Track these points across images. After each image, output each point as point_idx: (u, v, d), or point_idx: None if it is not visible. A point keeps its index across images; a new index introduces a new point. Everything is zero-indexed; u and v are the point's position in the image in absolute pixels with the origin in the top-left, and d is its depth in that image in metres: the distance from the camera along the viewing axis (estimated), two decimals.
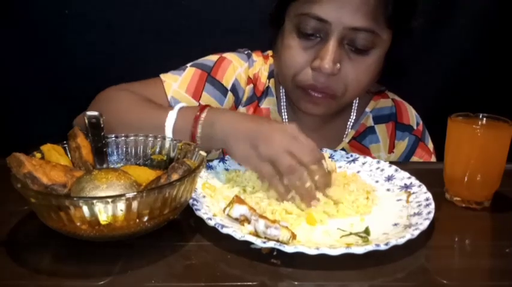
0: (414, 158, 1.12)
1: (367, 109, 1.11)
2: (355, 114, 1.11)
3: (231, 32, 1.39)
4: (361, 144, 1.10)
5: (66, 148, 0.74)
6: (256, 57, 1.10)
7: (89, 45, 1.44)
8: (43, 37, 1.46)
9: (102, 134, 0.74)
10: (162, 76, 1.03)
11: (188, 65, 1.05)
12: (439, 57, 1.49)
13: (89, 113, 0.74)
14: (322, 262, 0.61)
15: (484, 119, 0.81)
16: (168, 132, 0.84)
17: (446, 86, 1.57)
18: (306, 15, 0.90)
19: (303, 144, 0.76)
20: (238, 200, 0.69)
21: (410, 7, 0.92)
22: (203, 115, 0.83)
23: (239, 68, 1.06)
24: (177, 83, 1.01)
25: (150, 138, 0.79)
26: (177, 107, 0.87)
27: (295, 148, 0.75)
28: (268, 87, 1.08)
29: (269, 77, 1.09)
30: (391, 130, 1.12)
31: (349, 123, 1.10)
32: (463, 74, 1.56)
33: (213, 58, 1.06)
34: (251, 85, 1.07)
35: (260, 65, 1.09)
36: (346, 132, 1.10)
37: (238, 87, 1.05)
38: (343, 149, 1.07)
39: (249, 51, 1.10)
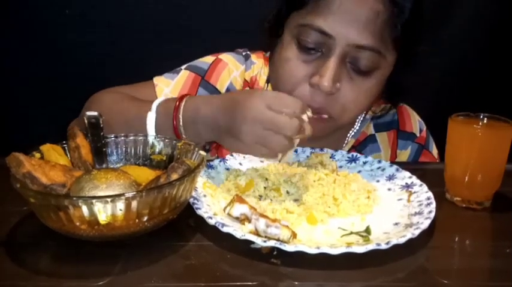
0: None
1: (368, 116, 1.07)
2: (359, 125, 1.06)
3: (231, 32, 1.39)
4: (361, 153, 1.07)
5: (66, 147, 0.74)
6: (256, 58, 1.05)
7: (89, 45, 1.44)
8: (43, 37, 1.46)
9: (102, 134, 0.74)
10: (155, 79, 1.01)
11: (183, 67, 1.03)
12: (438, 57, 1.49)
13: (89, 113, 0.74)
14: (323, 261, 0.61)
15: (485, 119, 0.81)
16: (151, 133, 0.82)
17: (446, 86, 1.57)
18: (307, 27, 0.85)
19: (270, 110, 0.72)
20: (238, 199, 0.69)
21: (418, 29, 0.88)
22: (182, 105, 0.81)
23: (234, 71, 1.02)
24: (169, 88, 0.99)
25: (149, 138, 0.79)
26: (154, 106, 0.83)
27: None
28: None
29: (268, 81, 1.04)
30: (393, 139, 1.08)
31: (350, 132, 1.06)
32: (463, 74, 1.56)
33: (208, 60, 1.03)
34: (247, 89, 1.03)
35: (259, 68, 1.05)
36: (345, 142, 1.06)
37: (233, 91, 1.01)
38: None
39: (248, 52, 1.06)
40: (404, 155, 1.08)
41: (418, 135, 1.09)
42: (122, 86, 0.99)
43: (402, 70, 0.93)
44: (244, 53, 1.06)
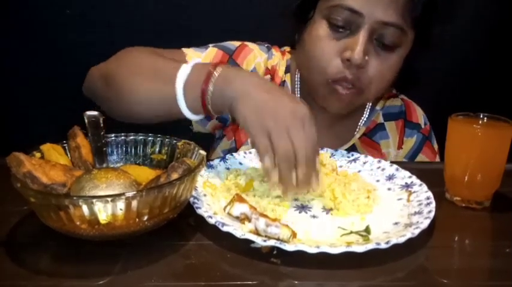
0: (421, 156, 1.14)
1: (378, 107, 1.14)
2: (368, 113, 1.12)
3: (231, 32, 1.39)
4: (371, 140, 1.12)
5: (66, 147, 0.74)
6: (275, 51, 1.12)
7: (89, 45, 1.44)
8: (43, 37, 1.46)
9: (102, 133, 0.74)
10: (185, 50, 1.03)
11: (210, 45, 1.06)
12: (439, 57, 1.49)
13: (89, 112, 0.74)
14: (323, 261, 0.61)
15: (485, 118, 0.81)
16: (179, 85, 0.79)
17: (446, 86, 1.57)
18: (338, 6, 0.91)
19: (305, 134, 0.72)
20: (238, 198, 0.69)
21: (436, 11, 0.93)
22: (217, 72, 0.78)
23: (259, 57, 1.07)
24: (199, 59, 1.02)
25: (150, 138, 0.79)
26: (192, 62, 0.84)
27: (296, 133, 0.71)
28: (284, 81, 1.10)
29: (286, 72, 1.10)
30: (401, 127, 1.14)
31: (361, 121, 1.12)
32: (463, 74, 1.56)
33: (235, 43, 1.08)
34: (268, 76, 1.08)
35: (278, 59, 1.10)
36: (357, 129, 1.12)
37: None
38: (353, 145, 1.09)
39: (269, 44, 1.12)
40: (410, 142, 1.15)
41: (423, 126, 1.16)
42: (152, 48, 0.98)
43: (417, 52, 0.99)
44: (266, 45, 1.12)
